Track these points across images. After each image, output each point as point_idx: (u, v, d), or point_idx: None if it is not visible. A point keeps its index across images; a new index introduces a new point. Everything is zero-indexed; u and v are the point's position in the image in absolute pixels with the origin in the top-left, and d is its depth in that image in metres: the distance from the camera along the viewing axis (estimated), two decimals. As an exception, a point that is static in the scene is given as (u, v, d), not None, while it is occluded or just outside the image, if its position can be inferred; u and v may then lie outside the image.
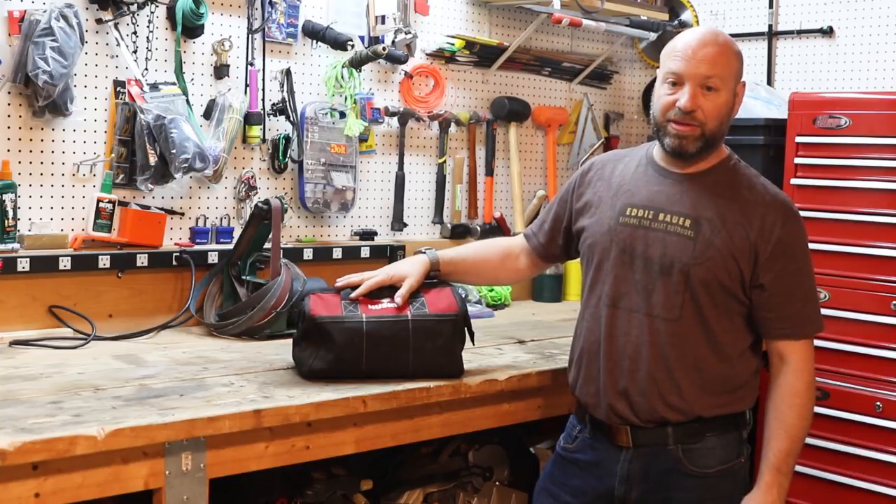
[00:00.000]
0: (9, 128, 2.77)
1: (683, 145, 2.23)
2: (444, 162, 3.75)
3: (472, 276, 2.65)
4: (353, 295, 2.42)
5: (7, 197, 2.71)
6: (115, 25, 2.92)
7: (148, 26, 2.98)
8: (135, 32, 2.96)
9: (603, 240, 2.30)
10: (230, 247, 3.07)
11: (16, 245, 2.74)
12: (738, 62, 2.26)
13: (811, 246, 3.15)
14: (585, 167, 2.48)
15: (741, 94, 2.29)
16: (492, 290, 3.61)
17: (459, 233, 3.72)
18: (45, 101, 2.73)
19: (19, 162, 2.80)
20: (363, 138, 3.48)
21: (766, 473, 2.22)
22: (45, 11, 2.71)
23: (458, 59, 3.74)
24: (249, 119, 3.18)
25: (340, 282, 2.48)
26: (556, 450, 2.44)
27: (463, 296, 2.75)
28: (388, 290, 2.49)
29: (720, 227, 2.20)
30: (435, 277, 2.53)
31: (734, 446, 2.27)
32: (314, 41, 3.36)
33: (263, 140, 3.24)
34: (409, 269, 2.47)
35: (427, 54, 3.68)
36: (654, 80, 4.46)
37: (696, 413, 2.21)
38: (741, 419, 2.29)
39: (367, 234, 3.51)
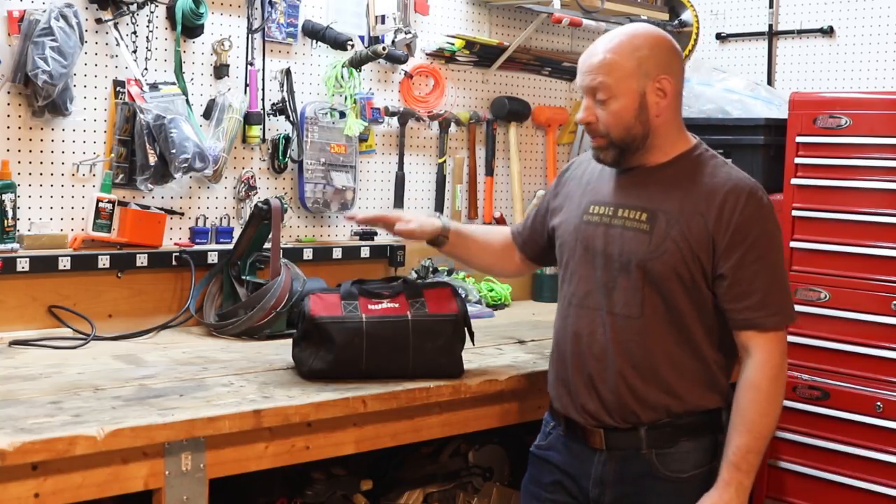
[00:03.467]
0: (8, 128, 2.77)
1: (600, 157, 2.24)
2: (444, 162, 3.74)
3: (473, 255, 2.60)
4: (357, 217, 2.53)
5: (7, 197, 2.71)
6: (115, 25, 2.92)
7: (147, 26, 2.98)
8: (134, 32, 2.95)
9: (570, 239, 2.29)
10: (230, 247, 3.06)
11: (15, 245, 2.74)
12: (634, 62, 2.14)
13: (812, 246, 3.18)
14: (564, 167, 2.49)
15: (668, 88, 2.16)
16: (492, 290, 3.61)
17: (459, 233, 3.72)
18: (44, 100, 2.73)
19: (19, 162, 2.80)
20: (363, 138, 3.48)
21: (725, 471, 2.13)
22: (44, 11, 2.71)
23: (458, 58, 3.74)
24: (249, 119, 3.17)
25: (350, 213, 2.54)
26: (531, 450, 2.42)
27: (463, 296, 2.76)
28: (387, 289, 2.50)
29: (677, 219, 2.13)
30: (441, 245, 2.52)
31: (709, 450, 2.21)
32: (314, 41, 3.36)
33: (263, 140, 3.24)
34: (417, 217, 2.48)
35: (427, 54, 3.68)
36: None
37: (668, 408, 2.17)
38: (716, 422, 2.22)
39: (367, 234, 3.51)
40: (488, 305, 3.53)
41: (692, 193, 2.16)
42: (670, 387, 2.17)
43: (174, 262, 3.01)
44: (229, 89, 3.16)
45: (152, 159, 2.89)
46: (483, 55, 3.79)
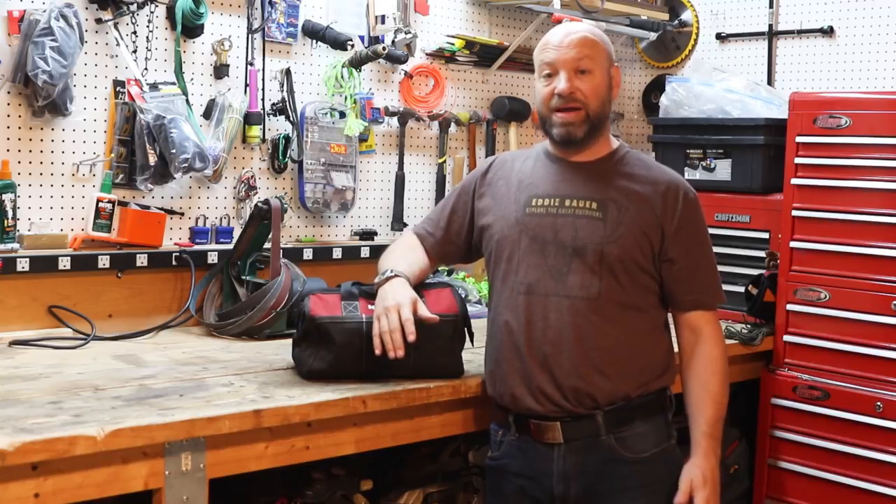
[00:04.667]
0: (8, 128, 2.77)
1: (571, 132, 2.31)
2: (444, 162, 3.74)
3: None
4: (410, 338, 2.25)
5: (7, 197, 2.71)
6: (115, 25, 2.92)
7: (148, 26, 2.98)
8: (134, 32, 2.95)
9: (511, 233, 2.33)
10: (230, 247, 3.06)
11: (15, 245, 2.74)
12: (605, 46, 2.34)
13: (812, 246, 3.19)
14: (484, 167, 2.51)
15: (617, 77, 2.37)
16: (492, 290, 3.60)
17: (459, 233, 3.72)
18: (44, 100, 2.73)
19: (19, 162, 2.80)
20: (363, 138, 3.48)
21: (702, 441, 2.28)
22: (44, 11, 2.71)
23: (458, 58, 3.74)
24: (249, 119, 3.18)
25: (379, 349, 2.28)
26: (486, 462, 2.44)
27: (463, 296, 2.75)
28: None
29: (626, 206, 2.28)
30: None
31: (663, 430, 2.32)
32: (314, 41, 3.36)
33: (263, 140, 3.24)
34: (411, 294, 2.32)
35: (427, 54, 3.68)
36: (654, 80, 4.48)
37: (623, 390, 2.25)
38: (665, 400, 2.34)
39: (367, 234, 3.51)
40: (488, 305, 3.53)
41: (634, 184, 2.32)
42: (624, 368, 2.26)
43: (174, 262, 3.01)
44: (229, 89, 3.17)
45: (152, 159, 2.89)
46: (483, 55, 3.79)
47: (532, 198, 2.34)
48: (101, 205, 2.88)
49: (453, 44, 3.67)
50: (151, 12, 2.98)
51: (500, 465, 2.37)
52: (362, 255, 3.41)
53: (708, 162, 3.63)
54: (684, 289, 2.32)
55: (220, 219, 3.19)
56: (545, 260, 2.28)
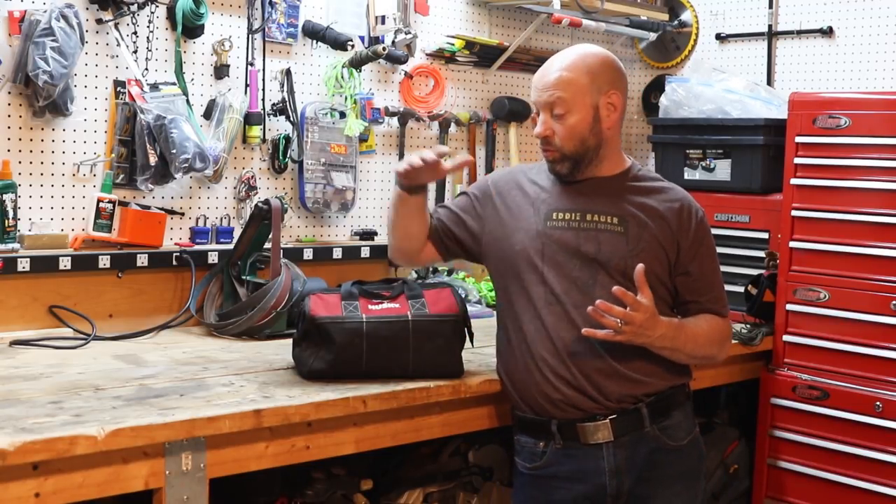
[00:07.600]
0: (9, 128, 2.78)
1: (555, 169, 2.37)
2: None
3: (414, 222, 2.48)
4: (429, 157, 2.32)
5: (7, 197, 2.72)
6: (116, 25, 2.92)
7: (148, 26, 2.98)
8: (135, 32, 2.96)
9: (533, 244, 2.35)
10: (230, 247, 3.07)
11: (16, 245, 2.74)
12: (588, 78, 2.30)
13: (811, 246, 3.20)
14: (493, 178, 2.53)
15: (616, 102, 2.34)
16: (492, 290, 3.60)
17: (459, 233, 3.72)
18: (45, 101, 2.73)
19: (19, 162, 2.80)
20: (363, 138, 3.48)
21: (674, 321, 2.32)
22: (45, 11, 2.71)
23: (458, 59, 3.74)
24: (249, 119, 3.18)
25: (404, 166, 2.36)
26: (520, 472, 2.44)
27: (463, 296, 2.75)
28: (388, 290, 2.50)
29: (645, 222, 2.34)
30: (416, 193, 2.44)
31: (691, 418, 2.44)
32: (314, 41, 3.36)
33: (263, 140, 3.24)
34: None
35: (427, 54, 3.68)
36: (654, 80, 4.48)
37: (656, 385, 2.34)
38: (689, 392, 2.45)
39: (367, 234, 3.51)
40: (488, 305, 3.53)
41: (650, 201, 2.38)
42: (652, 368, 2.33)
43: (174, 262, 3.01)
44: (230, 89, 3.17)
45: (153, 159, 2.89)
46: (483, 55, 3.79)
47: (553, 211, 2.37)
48: (101, 205, 2.88)
49: (453, 44, 3.67)
50: (152, 13, 2.98)
51: (547, 473, 2.37)
52: (362, 255, 3.41)
53: (707, 162, 3.64)
54: (699, 299, 2.41)
55: (221, 219, 3.20)
56: (570, 272, 2.32)
